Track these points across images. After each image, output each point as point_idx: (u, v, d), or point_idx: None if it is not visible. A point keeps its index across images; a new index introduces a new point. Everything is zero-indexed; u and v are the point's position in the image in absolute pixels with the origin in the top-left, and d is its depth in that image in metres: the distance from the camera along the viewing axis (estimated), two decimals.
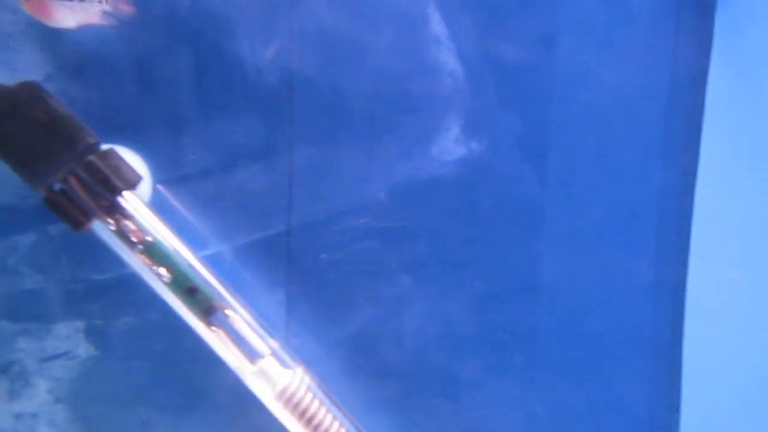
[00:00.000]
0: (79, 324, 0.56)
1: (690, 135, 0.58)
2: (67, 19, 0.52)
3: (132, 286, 0.56)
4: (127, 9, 0.54)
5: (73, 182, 0.49)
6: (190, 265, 0.52)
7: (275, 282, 0.58)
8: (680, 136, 0.58)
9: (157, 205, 0.55)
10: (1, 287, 0.55)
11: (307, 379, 0.52)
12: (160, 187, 0.57)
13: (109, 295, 0.57)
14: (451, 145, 0.58)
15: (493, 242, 0.59)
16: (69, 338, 0.56)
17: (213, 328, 0.51)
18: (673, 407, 0.60)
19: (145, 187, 0.55)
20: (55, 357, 0.56)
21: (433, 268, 0.59)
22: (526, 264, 0.59)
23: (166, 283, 0.51)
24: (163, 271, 0.51)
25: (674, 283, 0.59)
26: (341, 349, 0.59)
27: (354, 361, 0.59)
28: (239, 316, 0.52)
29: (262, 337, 0.52)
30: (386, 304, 0.59)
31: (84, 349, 0.57)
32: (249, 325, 0.52)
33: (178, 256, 0.51)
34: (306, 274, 0.58)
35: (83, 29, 0.54)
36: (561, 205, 0.59)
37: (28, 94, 0.48)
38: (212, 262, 0.55)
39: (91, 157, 0.49)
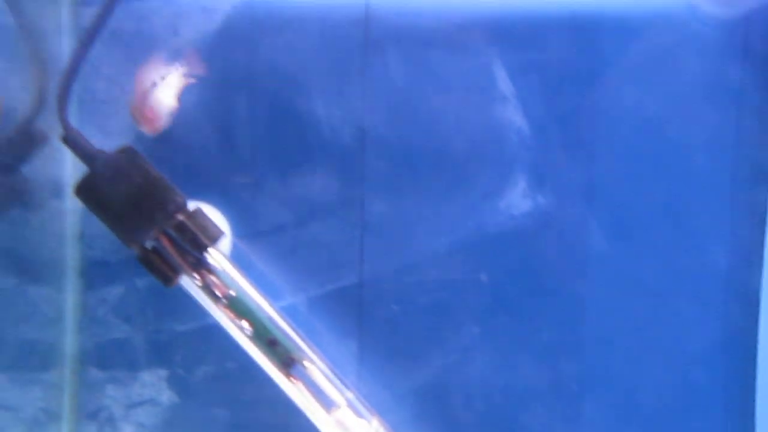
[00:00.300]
0: (163, 372, 0.59)
1: (758, 187, 0.59)
2: (168, 100, 0.56)
3: (212, 336, 0.59)
4: (199, 66, 0.58)
5: (164, 241, 0.52)
6: (271, 319, 0.54)
7: (348, 332, 0.60)
8: (748, 189, 0.59)
9: (236, 258, 0.58)
10: (92, 337, 0.59)
11: (381, 430, 0.54)
12: (238, 241, 0.60)
13: (190, 345, 0.59)
14: (518, 199, 0.60)
15: (560, 293, 0.60)
16: (153, 386, 0.59)
17: (292, 379, 0.54)
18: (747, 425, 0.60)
19: (226, 241, 0.58)
20: (140, 404, 0.59)
21: (501, 318, 0.60)
22: (593, 315, 0.60)
23: (248, 336, 0.54)
24: (245, 324, 0.54)
25: (745, 337, 0.60)
26: (412, 399, 0.60)
27: (424, 410, 0.60)
28: (316, 367, 0.54)
29: (338, 389, 0.54)
30: (455, 355, 0.60)
31: (167, 396, 0.59)
32: (326, 376, 0.54)
33: (259, 310, 0.54)
34: (377, 325, 0.60)
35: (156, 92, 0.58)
36: (626, 257, 0.60)
37: (126, 158, 0.52)
38: (287, 313, 0.57)
39: (181, 217, 0.52)
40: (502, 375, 0.60)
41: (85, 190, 0.52)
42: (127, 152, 0.53)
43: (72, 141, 0.52)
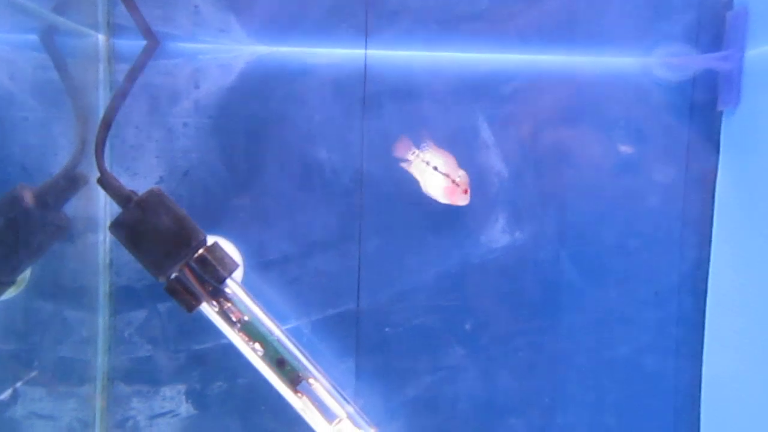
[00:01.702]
0: (182, 387, 0.66)
1: (703, 230, 0.67)
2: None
3: (225, 355, 0.66)
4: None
5: (187, 272, 0.59)
6: (280, 341, 0.61)
7: (346, 352, 0.67)
8: (695, 230, 0.67)
9: (248, 284, 0.65)
10: (119, 355, 0.65)
11: None
12: (249, 270, 0.67)
13: (206, 363, 0.67)
14: (497, 235, 0.67)
15: (535, 318, 0.68)
16: (173, 399, 0.66)
17: (299, 394, 0.61)
18: None
19: (239, 270, 0.65)
20: (162, 415, 0.66)
21: (483, 340, 0.68)
22: (564, 337, 0.68)
23: (259, 356, 0.61)
24: (257, 345, 0.61)
25: (692, 354, 0.68)
26: (404, 411, 0.67)
27: (415, 421, 0.67)
28: (320, 384, 0.61)
29: (339, 403, 0.61)
30: (443, 372, 0.68)
31: (185, 409, 0.66)
32: (328, 392, 0.61)
33: (269, 333, 0.61)
34: (373, 346, 0.67)
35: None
36: (591, 285, 0.68)
37: (155, 199, 0.59)
38: (292, 334, 0.64)
39: (203, 252, 0.59)
40: (484, 389, 0.68)
41: (119, 227, 0.59)
42: (155, 194, 0.60)
43: (107, 183, 0.59)
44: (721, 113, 0.65)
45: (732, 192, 0.64)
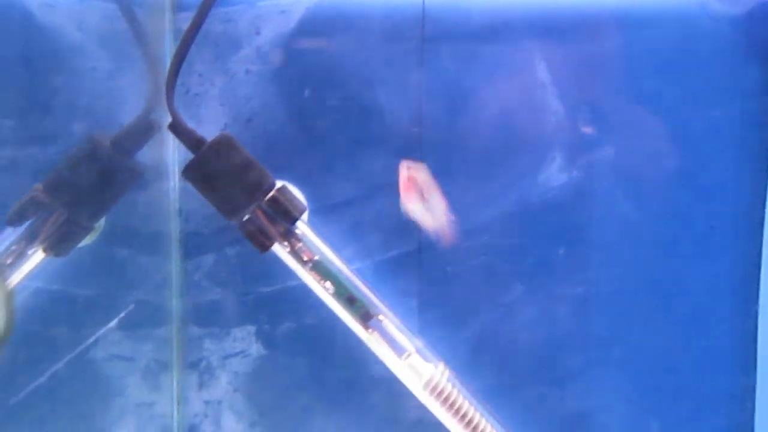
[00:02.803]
0: (251, 328, 0.68)
1: (760, 165, 0.68)
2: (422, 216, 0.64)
3: (292, 296, 0.68)
4: (448, 238, 0.66)
5: (259, 214, 0.61)
6: (349, 279, 0.63)
7: (409, 292, 0.69)
8: (752, 166, 0.68)
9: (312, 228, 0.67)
10: (191, 298, 0.67)
11: (447, 372, 0.63)
12: (313, 214, 0.68)
13: (274, 305, 0.69)
14: (555, 174, 0.69)
15: (592, 254, 0.69)
16: (243, 340, 0.68)
17: (369, 330, 0.63)
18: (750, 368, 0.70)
19: (304, 214, 0.67)
20: (233, 355, 0.68)
21: (542, 277, 0.70)
22: (620, 271, 0.69)
23: (330, 294, 0.63)
24: (328, 284, 0.63)
25: (747, 287, 0.69)
26: (464, 348, 0.69)
27: (475, 358, 0.70)
28: (389, 320, 0.63)
29: (408, 338, 0.63)
30: (502, 309, 0.70)
31: (255, 349, 0.69)
32: (397, 327, 0.63)
33: (339, 272, 0.63)
34: (434, 285, 0.69)
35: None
36: (647, 220, 0.69)
37: (226, 144, 0.60)
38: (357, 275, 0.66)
39: (274, 194, 0.60)
40: (542, 326, 0.70)
41: (192, 171, 0.60)
42: (226, 138, 0.61)
43: (179, 128, 0.60)
44: None
45: None
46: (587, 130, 0.68)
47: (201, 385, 0.68)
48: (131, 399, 0.67)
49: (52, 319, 0.65)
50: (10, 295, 0.31)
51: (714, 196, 0.70)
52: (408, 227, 0.69)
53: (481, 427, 0.63)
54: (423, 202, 0.64)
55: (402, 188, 0.64)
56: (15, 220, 0.60)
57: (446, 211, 0.65)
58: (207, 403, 0.68)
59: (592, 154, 0.68)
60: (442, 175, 0.68)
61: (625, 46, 0.67)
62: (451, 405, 0.63)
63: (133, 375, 0.66)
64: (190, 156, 0.60)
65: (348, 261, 0.67)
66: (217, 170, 0.60)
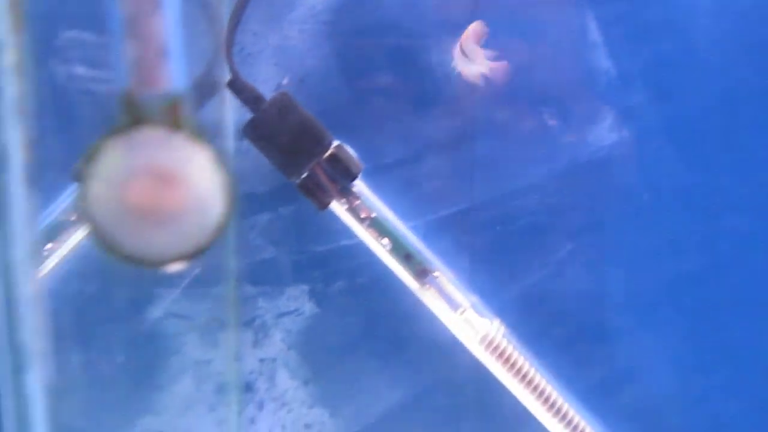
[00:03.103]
0: (305, 287, 0.69)
1: None
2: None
3: (345, 256, 0.69)
4: (502, 77, 0.66)
5: (318, 171, 0.61)
6: (405, 236, 0.64)
7: (460, 250, 0.70)
8: None
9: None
10: (245, 257, 0.68)
11: (502, 328, 0.64)
12: (364, 174, 0.69)
13: (327, 264, 0.69)
14: (605, 133, 0.69)
15: (641, 213, 0.70)
16: (297, 299, 0.69)
17: (426, 286, 0.64)
18: None
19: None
20: (287, 313, 0.69)
21: (591, 235, 0.70)
22: (670, 230, 0.70)
23: (387, 251, 0.63)
24: (385, 241, 0.63)
25: None
26: (515, 306, 0.70)
27: (525, 316, 0.70)
28: (444, 276, 0.64)
29: (463, 294, 0.64)
30: (552, 267, 0.70)
31: (308, 308, 0.69)
32: (452, 283, 0.64)
33: (395, 229, 0.64)
34: (485, 244, 0.70)
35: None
36: (699, 180, 0.70)
37: (285, 102, 0.61)
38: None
39: (334, 150, 0.61)
40: (591, 285, 0.71)
41: (253, 129, 0.61)
42: (285, 96, 0.61)
43: (240, 86, 0.61)
44: None
45: None
46: (637, 91, 0.69)
47: (256, 343, 0.69)
48: (189, 357, 0.68)
49: (115, 278, 0.65)
50: (231, 181, 0.32)
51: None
52: (459, 187, 0.69)
53: (536, 382, 0.64)
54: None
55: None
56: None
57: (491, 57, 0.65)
58: (262, 360, 0.69)
59: (644, 114, 0.69)
60: (493, 134, 0.69)
61: (678, 7, 0.68)
62: (507, 360, 0.64)
63: (191, 333, 0.67)
64: (243, 116, 0.61)
65: (400, 220, 0.68)
66: (277, 128, 0.61)
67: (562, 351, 0.71)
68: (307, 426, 0.70)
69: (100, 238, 0.31)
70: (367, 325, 0.70)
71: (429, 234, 0.70)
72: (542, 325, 0.71)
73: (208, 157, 0.32)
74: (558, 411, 0.65)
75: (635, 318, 0.71)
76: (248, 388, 0.69)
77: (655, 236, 0.70)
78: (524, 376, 0.64)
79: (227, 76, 0.61)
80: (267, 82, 0.67)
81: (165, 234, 0.32)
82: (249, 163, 0.67)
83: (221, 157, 0.32)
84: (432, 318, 0.66)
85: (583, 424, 0.65)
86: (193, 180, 0.32)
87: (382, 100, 0.69)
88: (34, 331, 0.30)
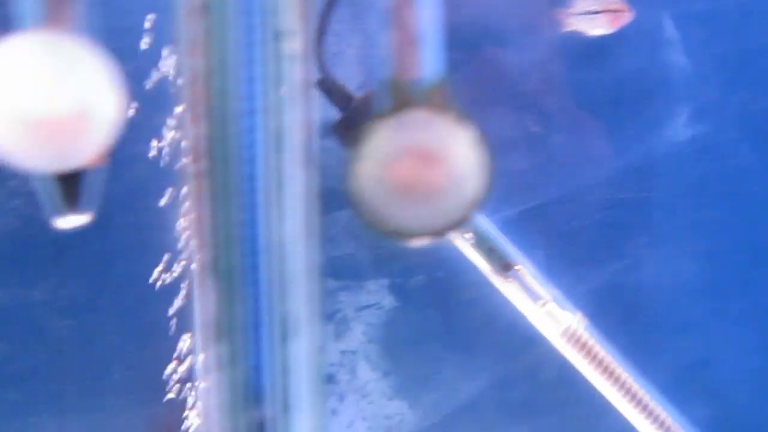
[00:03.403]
0: (384, 281, 0.71)
1: None
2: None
3: (424, 250, 0.70)
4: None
5: None
6: (488, 231, 0.65)
7: (536, 244, 0.71)
8: None
9: None
10: (327, 252, 0.69)
11: (583, 320, 0.65)
12: None
13: (406, 258, 0.71)
14: (680, 129, 0.70)
15: (717, 206, 0.71)
16: (377, 292, 0.71)
17: (508, 280, 0.65)
18: None
19: None
20: (368, 307, 0.71)
21: (666, 229, 0.71)
22: (745, 225, 0.71)
23: (471, 245, 0.65)
24: (469, 235, 0.65)
25: None
26: (590, 299, 0.71)
27: (601, 308, 0.71)
28: (526, 270, 0.65)
29: (545, 287, 0.65)
30: (627, 260, 0.71)
31: (388, 301, 0.71)
32: (534, 277, 0.65)
33: (479, 225, 0.65)
34: (560, 238, 0.71)
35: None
36: None
37: (372, 101, 0.62)
38: None
39: None
40: (666, 277, 0.72)
41: (342, 127, 0.62)
42: (372, 96, 0.63)
43: (330, 85, 0.62)
44: None
45: None
46: (713, 87, 0.70)
47: (336, 336, 0.71)
48: None
49: None
50: (490, 160, 0.34)
51: None
52: (536, 182, 0.71)
53: (617, 373, 0.65)
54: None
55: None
56: None
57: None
58: (343, 353, 0.71)
59: (718, 110, 0.70)
60: (568, 130, 0.70)
61: (753, 2, 0.68)
62: (589, 352, 0.65)
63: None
64: (327, 114, 0.62)
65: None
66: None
67: (638, 342, 0.72)
68: (387, 417, 0.72)
69: (367, 214, 0.33)
70: (446, 319, 0.71)
71: (506, 229, 0.71)
72: (617, 319, 0.72)
73: (468, 137, 0.33)
74: (639, 402, 0.66)
75: (709, 310, 0.72)
76: (330, 379, 0.71)
77: (730, 229, 0.71)
78: (606, 368, 0.65)
79: (316, 75, 0.63)
80: (349, 83, 0.68)
81: (427, 209, 0.34)
82: (331, 161, 0.68)
83: (481, 137, 0.34)
84: (510, 311, 0.68)
85: (664, 414, 0.66)
86: (454, 159, 0.34)
87: (462, 98, 0.70)
88: (302, 302, 0.32)
